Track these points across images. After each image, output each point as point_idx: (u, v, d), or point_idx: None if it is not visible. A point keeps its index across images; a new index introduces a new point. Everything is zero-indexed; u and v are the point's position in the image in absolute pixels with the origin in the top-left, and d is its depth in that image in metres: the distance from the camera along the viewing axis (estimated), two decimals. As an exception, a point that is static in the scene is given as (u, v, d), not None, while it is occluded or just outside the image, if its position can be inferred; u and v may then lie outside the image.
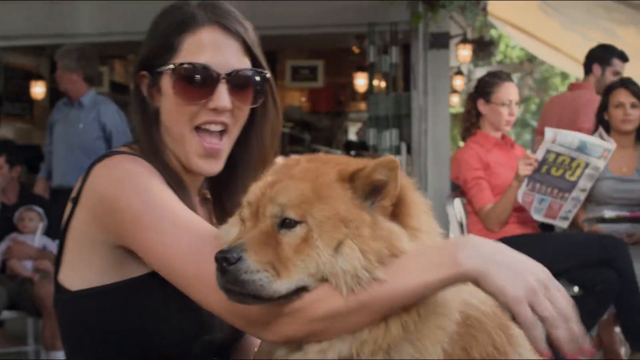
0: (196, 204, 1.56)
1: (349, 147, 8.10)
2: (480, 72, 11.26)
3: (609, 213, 3.53)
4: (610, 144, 3.50)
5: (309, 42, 7.73)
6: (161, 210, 1.36)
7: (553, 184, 3.54)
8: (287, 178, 1.28)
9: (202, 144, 1.49)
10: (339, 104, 9.83)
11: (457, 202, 4.06)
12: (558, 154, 3.44)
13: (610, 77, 4.48)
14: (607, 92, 4.24)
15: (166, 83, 1.50)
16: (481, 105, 3.96)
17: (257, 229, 1.24)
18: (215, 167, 1.51)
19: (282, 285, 1.19)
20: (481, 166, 3.81)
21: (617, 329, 4.10)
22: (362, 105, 9.52)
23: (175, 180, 1.48)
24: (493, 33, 6.93)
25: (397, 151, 5.62)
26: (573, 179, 3.51)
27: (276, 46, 7.89)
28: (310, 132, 9.43)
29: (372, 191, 1.24)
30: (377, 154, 5.57)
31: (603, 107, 4.21)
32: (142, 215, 1.35)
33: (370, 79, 5.89)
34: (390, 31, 5.69)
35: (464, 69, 9.37)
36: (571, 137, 3.43)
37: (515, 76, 16.32)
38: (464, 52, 6.69)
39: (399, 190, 1.23)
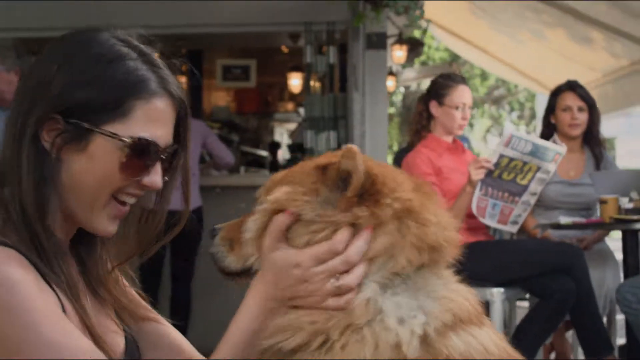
0: (68, 261, 1.37)
1: (290, 150, 7.91)
2: (407, 73, 11.29)
3: (564, 219, 3.48)
4: (561, 148, 3.45)
5: (242, 40, 7.51)
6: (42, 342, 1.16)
7: (504, 188, 3.46)
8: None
9: (115, 210, 1.33)
10: (269, 104, 9.63)
11: None
12: (511, 159, 3.37)
13: None
14: (554, 95, 4.21)
15: (103, 148, 1.28)
16: (434, 108, 3.85)
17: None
18: (115, 228, 1.36)
19: (231, 261, 1.31)
20: (433, 171, 3.69)
21: (569, 335, 4.08)
22: (295, 106, 9.36)
23: (54, 248, 1.29)
24: (416, 33, 6.90)
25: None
26: (524, 182, 3.44)
27: (207, 44, 7.65)
28: (239, 133, 9.20)
29: (342, 182, 1.22)
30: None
31: (550, 110, 4.17)
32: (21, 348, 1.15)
33: (307, 80, 5.72)
34: (327, 31, 5.54)
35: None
36: (524, 141, 3.35)
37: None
38: (399, 53, 6.62)
39: (362, 180, 1.19)
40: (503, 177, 3.43)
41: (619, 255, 3.67)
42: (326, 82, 5.66)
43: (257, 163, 9.12)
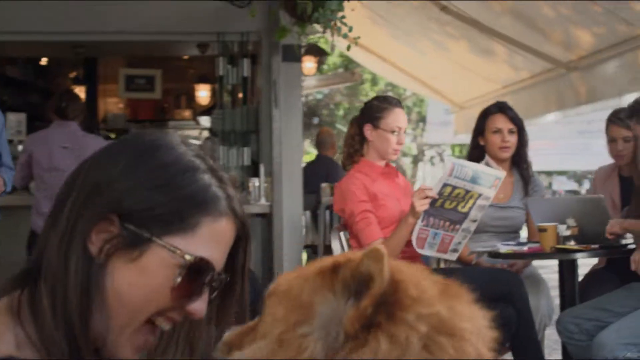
0: None
1: None
2: (307, 81, 11.17)
3: (504, 248, 3.41)
4: (500, 173, 3.37)
5: (147, 49, 7.14)
6: None
7: (445, 217, 3.35)
8: None
9: (143, 338, 1.13)
10: (166, 111, 9.24)
11: (343, 236, 3.77)
12: (454, 187, 3.26)
13: None
14: (483, 116, 4.15)
15: (159, 261, 1.09)
16: (368, 131, 3.69)
17: None
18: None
19: None
20: (368, 198, 3.54)
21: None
22: (194, 114, 9.04)
23: None
24: (322, 43, 6.78)
25: (254, 172, 5.26)
26: (465, 210, 3.35)
27: (104, 51, 7.22)
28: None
29: (357, 287, 0.94)
30: (231, 177, 5.18)
31: (478, 132, 4.12)
32: None
33: (220, 92, 5.47)
34: (241, 42, 5.32)
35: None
36: (466, 169, 3.25)
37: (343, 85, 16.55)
38: (309, 65, 6.47)
39: (384, 286, 0.92)
40: (445, 206, 3.32)
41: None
42: (238, 95, 5.44)
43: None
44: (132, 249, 1.09)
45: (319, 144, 7.33)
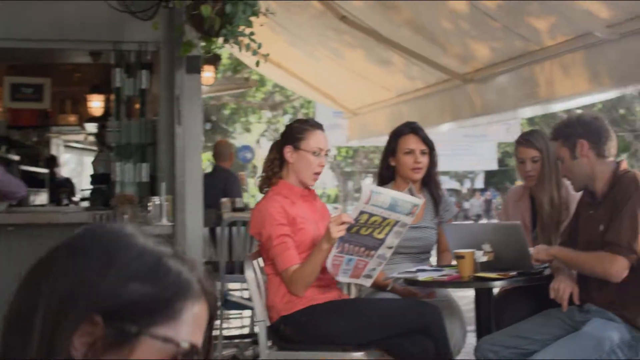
0: None
1: (92, 181, 7.15)
2: (203, 87, 10.87)
3: (423, 275, 3.36)
4: (419, 200, 3.30)
5: (35, 56, 6.68)
6: None
7: (360, 243, 3.25)
8: None
9: None
10: (49, 116, 8.73)
11: (257, 264, 3.61)
12: (371, 215, 3.16)
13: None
14: (394, 137, 4.10)
15: (153, 354, 1.01)
16: (288, 153, 3.54)
17: None
18: None
19: None
20: (287, 221, 3.40)
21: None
22: (80, 119, 8.60)
23: None
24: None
25: (152, 189, 5.00)
26: (381, 236, 3.26)
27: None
28: (17, 151, 8.24)
29: None
30: (129, 195, 4.90)
31: (390, 153, 4.06)
32: None
33: (117, 103, 5.18)
34: (139, 51, 5.05)
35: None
36: (383, 197, 3.16)
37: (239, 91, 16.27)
38: (208, 74, 6.26)
39: None
40: (360, 232, 3.22)
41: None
42: (134, 107, 5.17)
43: (37, 182, 8.28)
44: (121, 347, 1.01)
45: (216, 155, 7.11)
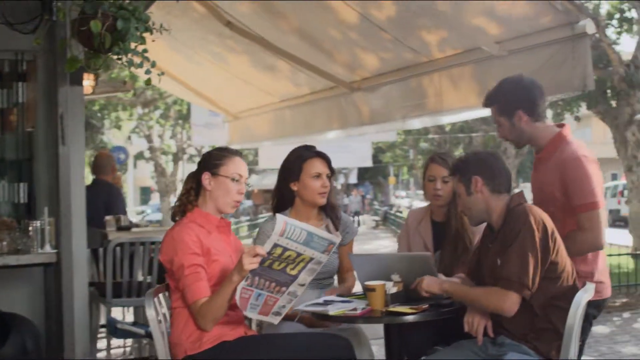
0: None
1: None
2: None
3: (333, 309, 3.23)
4: (336, 238, 3.16)
5: None
6: None
7: (272, 278, 3.11)
8: None
9: None
10: None
11: (162, 298, 3.37)
12: (285, 249, 3.02)
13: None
14: (298, 160, 3.93)
15: None
16: (206, 180, 3.33)
17: None
18: None
19: None
20: (201, 252, 3.19)
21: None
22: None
23: None
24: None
25: (28, 210, 4.62)
26: (294, 273, 3.12)
27: None
28: None
29: None
30: (6, 220, 4.52)
31: (292, 177, 3.91)
32: None
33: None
34: (15, 61, 4.66)
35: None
36: (299, 230, 3.02)
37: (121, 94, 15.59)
38: (86, 82, 5.89)
39: None
40: (273, 266, 3.07)
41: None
42: (8, 120, 4.78)
43: None
44: None
45: (97, 168, 6.70)
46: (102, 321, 5.93)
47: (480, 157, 3.39)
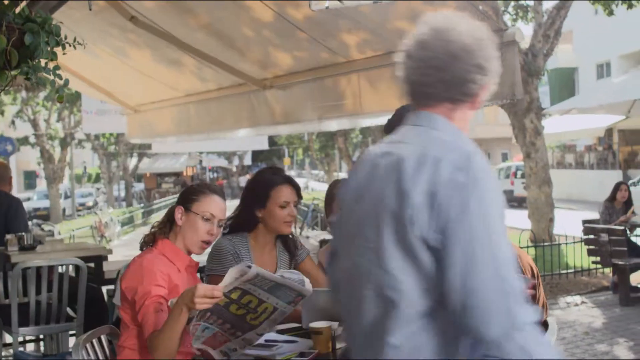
0: None
1: None
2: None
3: (280, 355, 3.00)
4: (307, 290, 2.93)
5: None
6: None
7: (229, 320, 2.83)
8: None
9: None
10: None
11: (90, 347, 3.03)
12: (246, 292, 2.74)
13: None
14: (266, 187, 3.54)
15: None
16: (179, 214, 3.08)
17: None
18: None
19: None
20: (168, 287, 2.92)
21: None
22: None
23: None
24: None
25: None
26: (255, 323, 2.88)
27: None
28: None
29: None
30: None
31: (259, 203, 3.57)
32: None
33: None
34: None
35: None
36: (267, 281, 2.75)
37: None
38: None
39: None
40: (231, 309, 2.78)
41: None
42: None
43: None
44: None
45: (-6, 179, 6.12)
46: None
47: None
